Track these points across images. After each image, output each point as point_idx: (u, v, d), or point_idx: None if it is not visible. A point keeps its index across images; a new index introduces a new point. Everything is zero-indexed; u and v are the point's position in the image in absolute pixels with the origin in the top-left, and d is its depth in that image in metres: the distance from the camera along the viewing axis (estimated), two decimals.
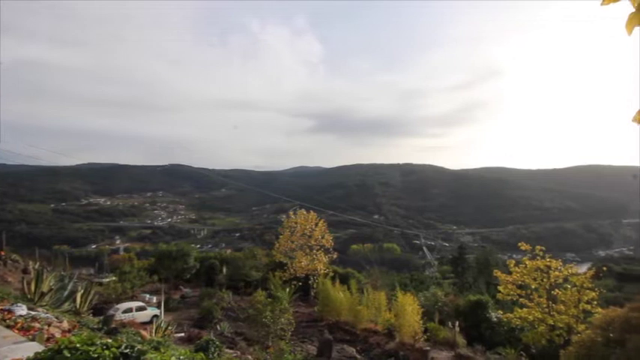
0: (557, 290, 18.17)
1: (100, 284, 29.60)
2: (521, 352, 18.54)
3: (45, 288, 13.10)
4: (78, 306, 13.92)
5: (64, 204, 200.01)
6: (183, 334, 18.36)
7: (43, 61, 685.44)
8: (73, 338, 4.20)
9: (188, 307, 27.38)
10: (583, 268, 26.12)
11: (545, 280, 18.31)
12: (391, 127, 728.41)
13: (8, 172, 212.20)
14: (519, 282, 19.16)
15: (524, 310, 18.48)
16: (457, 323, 20.29)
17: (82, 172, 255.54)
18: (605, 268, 30.27)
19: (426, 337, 20.20)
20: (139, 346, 4.49)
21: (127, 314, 20.77)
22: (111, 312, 19.41)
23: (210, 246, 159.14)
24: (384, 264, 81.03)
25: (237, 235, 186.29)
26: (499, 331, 22.03)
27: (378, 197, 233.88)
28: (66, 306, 13.75)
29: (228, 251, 55.50)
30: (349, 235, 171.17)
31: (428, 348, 18.62)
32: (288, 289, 24.69)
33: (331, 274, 30.08)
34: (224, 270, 35.60)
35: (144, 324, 18.33)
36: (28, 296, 12.68)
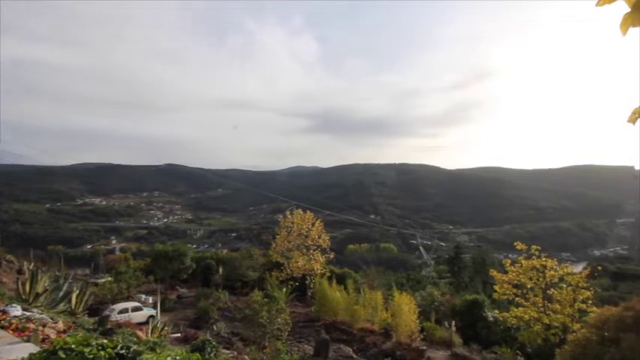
0: (552, 289, 18.25)
1: (96, 285, 29.45)
2: (517, 351, 18.62)
3: (40, 288, 13.02)
4: (73, 306, 13.85)
5: (59, 204, 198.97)
6: (179, 335, 18.32)
7: (40, 60, 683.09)
8: (68, 339, 4.18)
9: (184, 308, 27.30)
10: (578, 268, 26.34)
11: (540, 279, 18.38)
12: (387, 127, 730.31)
13: (3, 172, 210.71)
14: (515, 281, 19.22)
15: (520, 309, 18.54)
16: (453, 323, 20.35)
17: (78, 172, 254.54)
18: (600, 268, 30.51)
19: (422, 336, 20.25)
20: (135, 347, 4.47)
21: (122, 315, 20.67)
22: (106, 312, 19.38)
23: (206, 246, 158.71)
24: (381, 264, 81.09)
25: (234, 235, 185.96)
26: (495, 330, 22.09)
27: (375, 197, 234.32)
28: (61, 307, 13.68)
29: (225, 251, 55.40)
30: (346, 234, 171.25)
31: (424, 347, 18.67)
32: (284, 289, 24.66)
33: (328, 274, 30.05)
34: (220, 270, 35.52)
35: (140, 324, 18.28)
36: (23, 297, 12.60)
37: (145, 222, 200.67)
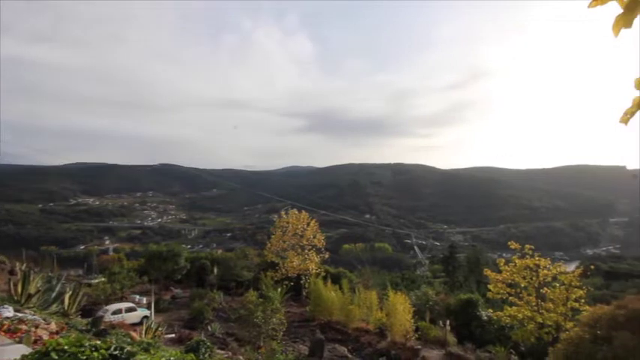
0: (546, 288, 18.40)
1: (89, 285, 29.22)
2: (511, 350, 18.73)
3: (32, 289, 12.90)
4: (66, 307, 13.73)
5: (52, 204, 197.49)
6: (173, 335, 18.24)
7: (36, 60, 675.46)
8: (61, 340, 4.14)
9: (179, 308, 27.17)
10: (571, 267, 26.53)
11: (534, 278, 18.52)
12: (383, 127, 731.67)
13: None
14: (509, 280, 19.35)
15: (514, 308, 18.67)
16: (448, 322, 20.43)
17: (71, 172, 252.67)
18: (592, 267, 30.76)
19: (417, 335, 20.31)
20: (129, 348, 4.44)
21: (116, 315, 20.53)
22: (100, 313, 19.19)
23: (201, 246, 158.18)
24: (376, 263, 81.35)
25: (229, 235, 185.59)
26: (489, 329, 22.21)
27: (370, 197, 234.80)
28: (54, 307, 13.56)
29: (220, 251, 55.17)
30: (341, 234, 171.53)
31: (419, 347, 18.74)
32: (279, 289, 24.66)
33: (323, 273, 30.09)
34: (215, 270, 35.38)
35: (134, 325, 18.18)
36: (15, 298, 12.47)
37: (138, 222, 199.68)
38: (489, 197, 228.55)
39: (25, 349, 6.26)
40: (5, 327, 8.09)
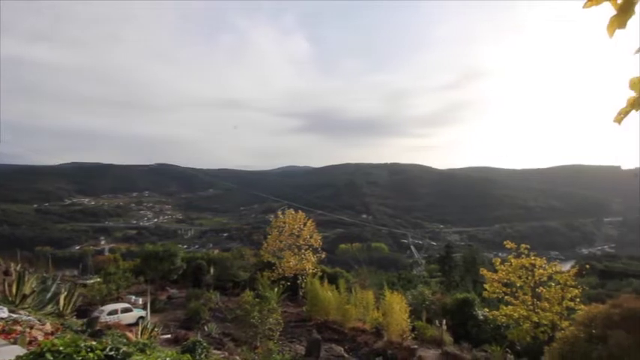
0: (541, 288, 18.48)
1: (85, 286, 29.09)
2: (507, 349, 18.80)
3: (27, 290, 12.82)
4: (61, 308, 13.67)
5: (47, 204, 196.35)
6: (169, 336, 18.20)
7: (31, 59, 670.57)
8: (56, 341, 4.12)
9: (175, 309, 27.09)
10: (566, 266, 26.61)
11: (529, 277, 18.60)
12: (380, 127, 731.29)
13: None
14: (505, 280, 19.42)
15: (510, 307, 18.74)
16: (444, 321, 20.48)
17: (66, 172, 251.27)
18: (587, 266, 30.96)
19: (413, 335, 20.36)
20: (125, 348, 4.42)
21: (112, 316, 20.45)
22: (95, 314, 19.10)
23: (197, 246, 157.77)
24: (372, 263, 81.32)
25: (225, 235, 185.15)
26: (485, 328, 22.30)
27: (366, 197, 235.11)
28: (49, 308, 13.50)
29: (216, 251, 55.10)
30: (337, 234, 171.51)
31: (415, 346, 18.79)
32: (276, 289, 24.62)
33: (319, 273, 30.08)
34: (211, 270, 35.31)
35: (129, 326, 18.12)
36: (10, 299, 12.40)
37: (134, 222, 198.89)
38: (485, 197, 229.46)
39: (19, 350, 6.22)
40: (0, 328, 8.04)
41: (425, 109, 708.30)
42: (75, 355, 3.89)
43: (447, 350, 18.42)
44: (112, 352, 4.18)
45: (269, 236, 33.02)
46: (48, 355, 3.85)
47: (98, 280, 32.24)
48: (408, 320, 19.77)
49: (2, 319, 8.93)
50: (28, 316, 10.34)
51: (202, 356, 10.40)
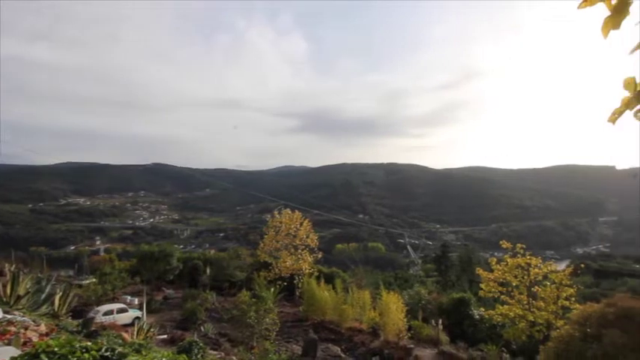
0: (537, 287, 18.56)
1: (80, 286, 28.91)
2: (503, 348, 18.88)
3: (21, 291, 12.73)
4: (56, 309, 13.58)
5: (42, 204, 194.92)
6: (165, 336, 18.13)
7: (27, 59, 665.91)
8: (50, 342, 4.10)
9: (171, 309, 27.01)
10: (562, 266, 26.77)
11: (525, 277, 18.69)
12: (376, 127, 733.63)
13: None
14: (501, 279, 19.50)
15: (506, 307, 18.82)
16: (440, 321, 20.55)
17: (61, 172, 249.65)
18: (582, 265, 31.18)
19: (409, 334, 20.40)
20: (120, 349, 4.40)
21: (107, 316, 20.33)
22: (91, 314, 19.05)
23: (193, 246, 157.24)
24: (369, 263, 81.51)
25: (221, 235, 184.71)
26: (481, 327, 22.38)
27: (363, 197, 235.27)
28: (44, 309, 13.40)
29: (212, 251, 54.92)
30: (334, 234, 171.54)
31: (412, 345, 18.82)
32: (272, 289, 24.58)
33: (316, 273, 30.10)
34: (208, 271, 35.23)
35: (125, 326, 18.04)
36: (4, 299, 12.30)
37: (130, 222, 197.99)
38: (481, 197, 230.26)
39: (14, 351, 6.17)
40: None
41: (422, 109, 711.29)
42: (70, 356, 3.87)
43: (443, 349, 18.47)
44: (108, 353, 4.17)
45: (265, 236, 32.96)
46: (43, 356, 3.82)
47: (94, 280, 32.05)
48: (405, 320, 19.80)
49: None
50: (23, 317, 10.26)
51: (198, 357, 10.37)
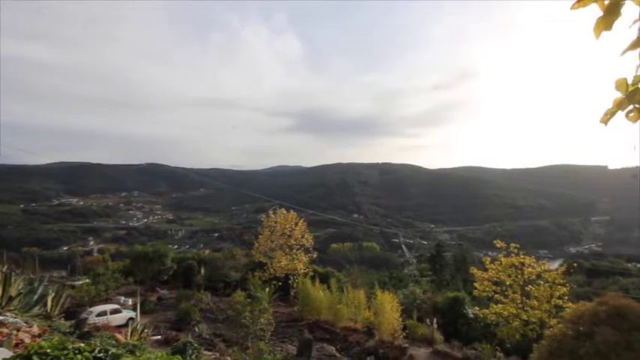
0: (530, 286, 18.69)
1: (73, 287, 28.70)
2: (497, 347, 18.98)
3: (13, 292, 12.59)
4: (49, 310, 13.45)
5: (34, 204, 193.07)
6: (159, 337, 18.02)
7: (21, 58, 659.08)
8: (43, 343, 4.06)
9: (165, 309, 26.86)
10: (555, 265, 26.97)
11: (519, 276, 18.81)
12: (371, 127, 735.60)
13: None
14: (495, 278, 19.62)
15: (499, 305, 18.94)
16: (435, 320, 20.62)
17: (54, 172, 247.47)
18: (575, 264, 31.38)
19: (404, 334, 20.44)
20: (114, 350, 4.38)
21: (101, 317, 20.18)
22: (84, 315, 18.89)
23: (187, 246, 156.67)
24: (364, 263, 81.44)
25: (216, 235, 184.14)
26: (475, 326, 22.49)
27: (358, 196, 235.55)
28: (36, 310, 13.27)
29: (207, 252, 54.75)
30: (329, 234, 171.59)
31: (406, 345, 18.88)
32: (267, 289, 24.52)
33: (311, 273, 30.05)
34: (202, 271, 35.08)
35: (119, 327, 17.89)
36: None
37: (123, 222, 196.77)
38: (475, 197, 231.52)
39: (6, 353, 6.11)
40: None
41: (416, 109, 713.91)
42: (62, 358, 3.84)
43: (437, 348, 18.55)
44: (101, 354, 4.14)
45: (260, 236, 32.88)
46: (35, 358, 3.79)
47: (87, 281, 31.85)
48: (400, 319, 19.85)
49: None
50: (15, 318, 10.16)
51: (193, 357, 10.32)
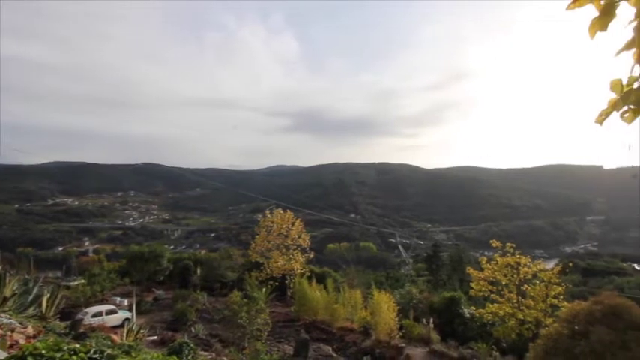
0: (526, 285, 18.76)
1: (68, 287, 28.57)
2: (493, 346, 19.04)
3: (8, 292, 12.51)
4: (44, 310, 13.38)
5: (29, 204, 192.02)
6: (155, 337, 17.97)
7: (16, 57, 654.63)
8: (38, 344, 4.03)
9: (161, 310, 26.80)
10: (550, 264, 27.12)
11: (515, 275, 18.88)
12: (368, 127, 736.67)
13: None
14: (491, 278, 19.67)
15: (495, 305, 18.99)
16: (431, 320, 20.67)
17: (49, 171, 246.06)
18: (570, 264, 31.54)
19: (401, 333, 20.47)
20: (109, 351, 4.36)
21: (96, 318, 20.11)
22: (79, 316, 18.81)
23: (184, 247, 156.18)
24: (361, 262, 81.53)
25: (213, 235, 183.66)
26: (472, 326, 22.55)
27: (355, 196, 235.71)
28: (31, 311, 13.19)
29: (203, 252, 54.67)
30: (326, 234, 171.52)
31: (403, 344, 18.91)
32: (264, 289, 24.52)
33: (308, 273, 30.07)
34: (198, 271, 35.02)
35: (115, 328, 17.83)
36: None
37: (119, 222, 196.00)
38: (472, 197, 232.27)
39: (0, 354, 6.07)
40: None
41: (413, 109, 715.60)
42: (57, 359, 3.82)
43: (434, 348, 18.59)
44: (96, 355, 4.12)
45: (257, 236, 32.85)
46: (30, 359, 3.76)
47: (82, 281, 31.68)
48: (396, 319, 19.86)
49: None
50: (10, 319, 10.09)
51: (189, 358, 10.29)
